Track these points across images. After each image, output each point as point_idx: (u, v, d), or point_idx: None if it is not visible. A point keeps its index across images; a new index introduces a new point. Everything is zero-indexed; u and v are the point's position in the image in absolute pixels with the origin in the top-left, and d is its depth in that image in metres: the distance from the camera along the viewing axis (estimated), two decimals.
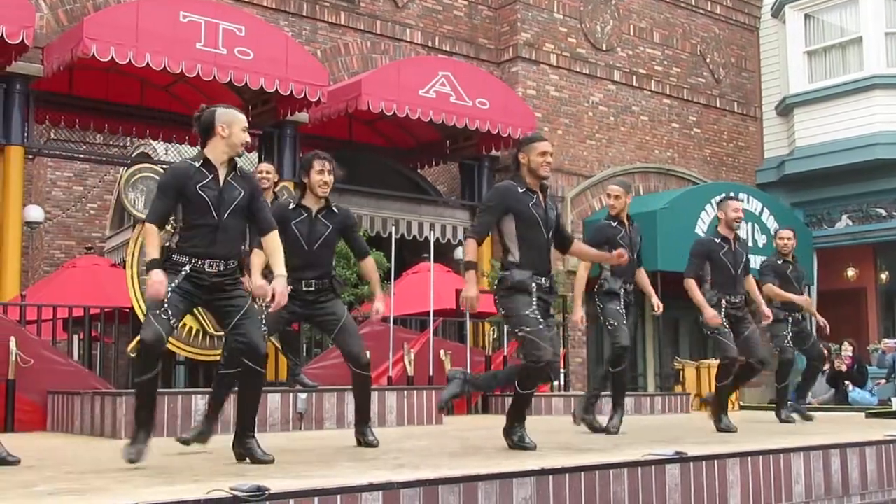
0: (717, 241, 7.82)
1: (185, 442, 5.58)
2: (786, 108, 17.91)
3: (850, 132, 16.57)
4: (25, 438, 7.13)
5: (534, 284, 5.57)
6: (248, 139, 5.07)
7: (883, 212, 16.93)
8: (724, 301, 7.66)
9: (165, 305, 4.79)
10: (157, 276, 4.77)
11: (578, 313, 7.34)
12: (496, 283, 5.79)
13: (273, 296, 5.07)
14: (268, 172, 8.42)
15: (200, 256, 4.89)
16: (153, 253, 4.85)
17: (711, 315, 7.48)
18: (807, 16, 17.78)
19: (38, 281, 14.71)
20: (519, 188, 5.68)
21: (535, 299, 5.56)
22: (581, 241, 6.34)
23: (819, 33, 17.71)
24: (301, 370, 8.52)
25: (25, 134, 10.97)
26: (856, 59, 17.04)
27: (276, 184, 8.83)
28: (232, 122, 4.99)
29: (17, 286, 10.53)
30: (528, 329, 5.49)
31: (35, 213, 13.83)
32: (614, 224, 7.46)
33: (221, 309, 5.01)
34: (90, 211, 18.00)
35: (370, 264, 6.29)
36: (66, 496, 3.64)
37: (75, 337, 9.55)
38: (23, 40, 9.86)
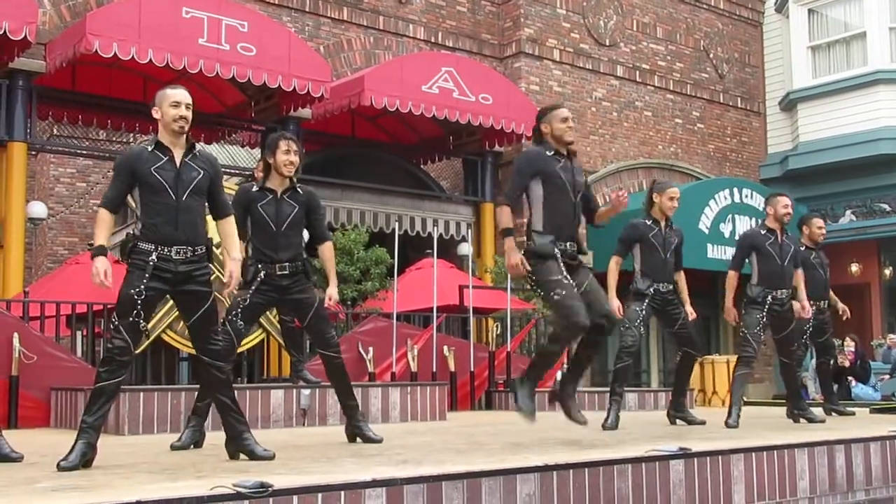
0: (763, 232, 7.80)
1: (180, 449, 5.59)
2: (789, 104, 17.87)
3: (854, 127, 16.53)
4: (28, 435, 7.13)
5: (557, 250, 5.65)
6: (181, 113, 4.84)
7: (887, 207, 16.89)
8: (769, 297, 7.65)
9: (139, 307, 4.73)
10: (101, 263, 4.71)
11: (615, 303, 7.32)
12: (522, 253, 5.75)
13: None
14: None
15: (165, 242, 4.77)
16: (99, 239, 4.79)
17: (731, 315, 7.71)
18: (810, 11, 17.74)
19: (41, 277, 14.72)
20: (547, 152, 5.76)
21: (561, 264, 5.64)
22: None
23: (823, 28, 17.67)
24: (304, 366, 8.52)
25: (28, 130, 10.98)
26: (859, 54, 16.99)
27: None
28: (161, 102, 4.89)
29: (21, 283, 10.53)
30: (562, 291, 5.55)
31: (38, 209, 13.83)
32: (649, 222, 7.52)
33: (185, 302, 4.92)
34: (93, 207, 17.97)
35: (328, 250, 6.13)
36: (69, 492, 3.63)
37: (78, 333, 9.56)
38: (25, 36, 9.86)
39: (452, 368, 10.57)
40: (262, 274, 5.80)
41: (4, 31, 9.70)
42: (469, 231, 13.95)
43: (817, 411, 8.47)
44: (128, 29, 10.17)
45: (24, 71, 10.80)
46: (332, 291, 6.04)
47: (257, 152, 13.36)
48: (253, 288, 5.79)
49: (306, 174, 12.67)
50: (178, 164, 4.85)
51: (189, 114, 4.89)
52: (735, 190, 15.84)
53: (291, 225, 5.89)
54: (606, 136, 15.87)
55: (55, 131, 15.56)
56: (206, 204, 5.02)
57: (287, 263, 5.82)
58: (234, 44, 10.84)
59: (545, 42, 15.24)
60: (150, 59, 10.29)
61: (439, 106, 12.67)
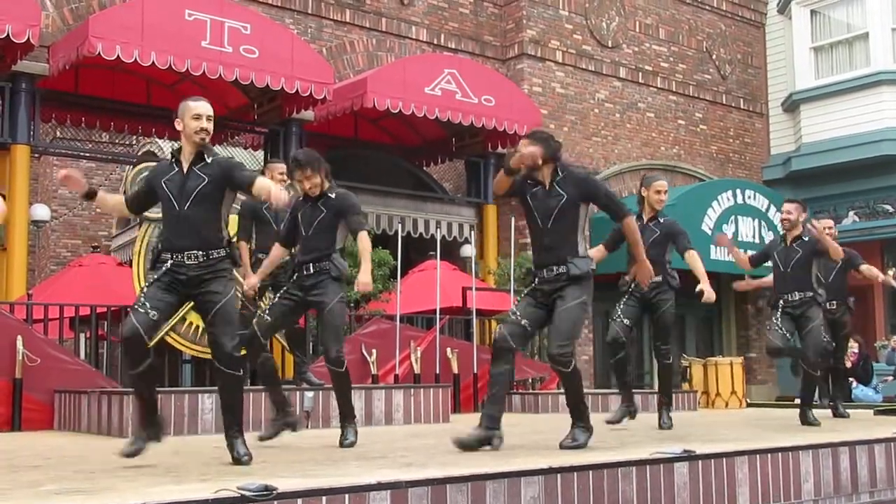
0: (779, 240, 8.17)
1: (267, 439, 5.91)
2: (792, 105, 17.86)
3: (857, 128, 16.52)
4: (32, 437, 7.14)
5: (535, 280, 5.72)
6: (201, 125, 4.95)
7: (890, 208, 16.87)
8: (781, 301, 7.90)
9: (143, 299, 4.86)
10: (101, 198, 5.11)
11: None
12: None
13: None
14: (281, 173, 8.34)
15: (177, 250, 4.89)
16: (101, 195, 5.09)
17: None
18: (813, 12, 17.73)
19: (44, 280, 14.73)
20: (528, 180, 5.76)
21: (527, 296, 5.77)
22: (632, 222, 5.97)
23: (825, 29, 17.66)
24: (308, 368, 8.51)
25: (31, 133, 10.97)
26: (862, 55, 16.98)
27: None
28: (183, 114, 5.00)
29: (24, 285, 10.53)
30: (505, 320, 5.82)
31: (41, 211, 13.82)
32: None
33: (201, 304, 4.99)
34: (96, 209, 17.99)
35: (363, 242, 6.15)
36: (73, 495, 3.63)
37: (82, 336, 9.56)
38: (28, 39, 9.86)
39: (456, 370, 10.56)
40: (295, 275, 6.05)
41: (7, 34, 9.70)
42: (472, 233, 13.94)
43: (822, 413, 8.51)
44: (130, 31, 10.17)
45: (27, 74, 10.80)
46: (362, 277, 6.09)
47: (260, 154, 13.37)
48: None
49: None
50: (185, 173, 4.94)
51: (210, 126, 4.99)
52: (738, 191, 15.83)
53: (318, 229, 6.05)
54: (609, 138, 15.87)
55: (58, 134, 15.57)
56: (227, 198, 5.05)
57: (311, 264, 5.99)
58: (236, 46, 10.84)
59: (548, 44, 15.24)
60: (153, 62, 10.29)
61: (442, 108, 12.67)
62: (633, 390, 7.90)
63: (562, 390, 5.97)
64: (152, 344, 5.09)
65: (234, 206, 8.81)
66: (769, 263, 8.31)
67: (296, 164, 6.12)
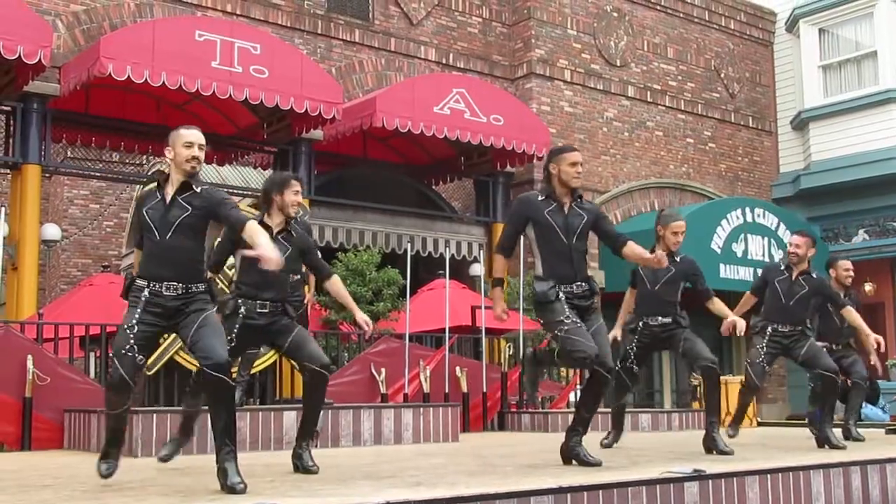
0: (782, 268, 7.79)
1: (163, 459, 5.41)
2: (801, 123, 17.86)
3: (866, 146, 16.51)
4: (42, 456, 7.14)
5: (560, 294, 5.60)
6: (193, 153, 4.84)
7: None
8: (769, 329, 7.67)
9: (132, 341, 4.69)
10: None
11: (615, 331, 7.27)
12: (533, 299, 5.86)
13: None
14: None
15: (155, 279, 4.74)
16: None
17: (728, 324, 7.29)
18: (821, 30, 17.75)
19: (54, 299, 14.77)
20: (539, 197, 5.75)
21: (566, 305, 5.58)
22: (634, 245, 5.85)
23: (834, 47, 17.67)
24: None
25: (42, 153, 11.04)
26: (871, 73, 16.99)
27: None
28: (175, 142, 4.89)
29: (34, 304, 10.56)
30: (565, 328, 5.51)
31: (52, 231, 13.90)
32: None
33: (183, 325, 4.77)
34: (107, 229, 18.06)
35: (335, 284, 6.01)
36: None
37: (92, 355, 9.57)
38: (40, 60, 9.93)
39: (465, 389, 10.54)
40: (242, 310, 5.59)
41: (19, 55, 9.78)
42: (481, 251, 13.94)
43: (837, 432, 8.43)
44: (141, 52, 10.24)
45: (39, 94, 10.88)
46: (361, 317, 6.03)
47: (269, 174, 13.40)
48: (237, 327, 5.58)
49: (319, 195, 12.73)
50: (168, 202, 4.82)
51: (201, 155, 4.88)
52: (747, 209, 15.82)
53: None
54: (618, 157, 15.88)
55: (69, 154, 15.65)
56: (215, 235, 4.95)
57: (268, 302, 5.60)
58: (246, 66, 10.90)
59: (556, 63, 15.28)
60: (164, 82, 10.35)
61: (451, 127, 12.70)
62: (644, 409, 7.84)
63: (571, 410, 5.98)
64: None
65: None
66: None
67: (293, 176, 6.02)
